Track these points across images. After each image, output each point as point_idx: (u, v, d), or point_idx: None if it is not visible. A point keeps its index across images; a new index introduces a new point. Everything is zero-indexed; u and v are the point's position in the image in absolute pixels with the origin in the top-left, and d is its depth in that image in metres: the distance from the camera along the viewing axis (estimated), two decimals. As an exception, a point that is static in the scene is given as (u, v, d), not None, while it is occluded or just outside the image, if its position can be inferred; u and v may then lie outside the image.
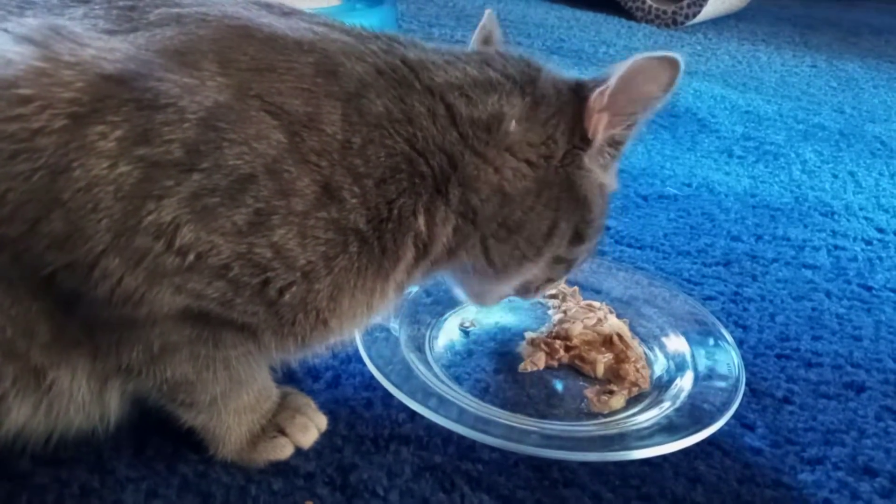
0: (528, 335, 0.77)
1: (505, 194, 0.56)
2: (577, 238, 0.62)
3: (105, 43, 0.46)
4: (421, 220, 0.54)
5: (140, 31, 0.48)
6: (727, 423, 0.66)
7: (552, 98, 0.58)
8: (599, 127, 0.58)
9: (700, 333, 0.78)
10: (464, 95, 0.55)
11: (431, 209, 0.54)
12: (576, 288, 0.84)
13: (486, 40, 0.66)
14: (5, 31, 0.45)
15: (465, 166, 0.54)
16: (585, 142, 0.58)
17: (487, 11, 0.66)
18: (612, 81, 0.56)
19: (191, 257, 0.46)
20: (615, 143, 0.61)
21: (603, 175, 0.61)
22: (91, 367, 0.51)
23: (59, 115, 0.43)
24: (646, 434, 0.65)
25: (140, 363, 0.51)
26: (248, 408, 0.58)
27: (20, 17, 0.47)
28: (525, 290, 0.68)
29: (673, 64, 0.55)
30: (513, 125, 0.56)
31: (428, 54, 0.56)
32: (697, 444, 0.64)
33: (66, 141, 0.43)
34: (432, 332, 0.77)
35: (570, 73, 0.61)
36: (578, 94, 0.58)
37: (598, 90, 0.57)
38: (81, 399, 0.52)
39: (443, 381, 0.69)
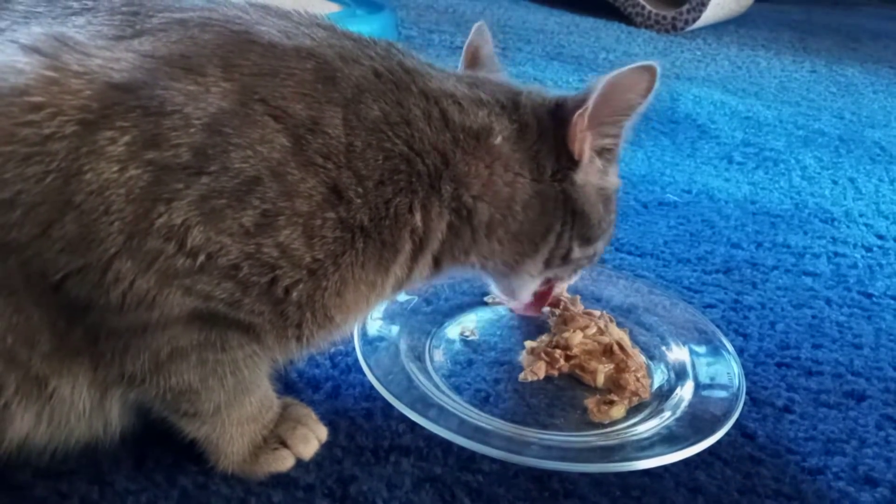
0: (529, 344, 0.77)
1: (497, 196, 0.58)
2: (586, 241, 0.64)
3: (111, 52, 0.47)
4: (418, 216, 0.55)
5: (144, 35, 0.49)
6: (728, 433, 0.66)
7: (533, 126, 0.60)
8: (585, 146, 0.60)
9: (700, 342, 0.78)
10: (456, 103, 0.57)
11: (427, 205, 0.56)
12: (577, 297, 0.84)
13: (474, 57, 0.68)
14: (14, 41, 0.47)
15: (457, 163, 0.56)
16: (573, 161, 0.61)
17: (476, 25, 0.69)
18: (590, 103, 0.58)
19: (201, 258, 0.47)
20: (605, 151, 0.63)
21: (602, 179, 0.63)
22: (92, 377, 0.51)
23: (69, 121, 0.44)
24: (646, 444, 0.65)
25: (144, 371, 0.51)
26: (250, 418, 0.58)
27: (27, 28, 0.48)
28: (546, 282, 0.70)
29: (649, 70, 0.57)
30: (499, 139, 0.58)
31: (423, 65, 0.59)
32: (698, 455, 0.64)
33: (77, 146, 0.44)
34: (432, 342, 0.77)
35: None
36: (558, 116, 0.60)
37: (577, 113, 0.59)
38: (83, 407, 0.52)
39: (443, 392, 0.69)
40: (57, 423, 0.52)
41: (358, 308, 0.56)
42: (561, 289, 0.74)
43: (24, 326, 0.47)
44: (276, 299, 0.51)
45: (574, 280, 0.73)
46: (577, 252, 0.64)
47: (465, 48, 0.69)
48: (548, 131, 0.60)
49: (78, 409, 0.52)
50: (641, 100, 0.59)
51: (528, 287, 0.69)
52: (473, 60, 0.69)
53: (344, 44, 0.55)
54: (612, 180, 0.65)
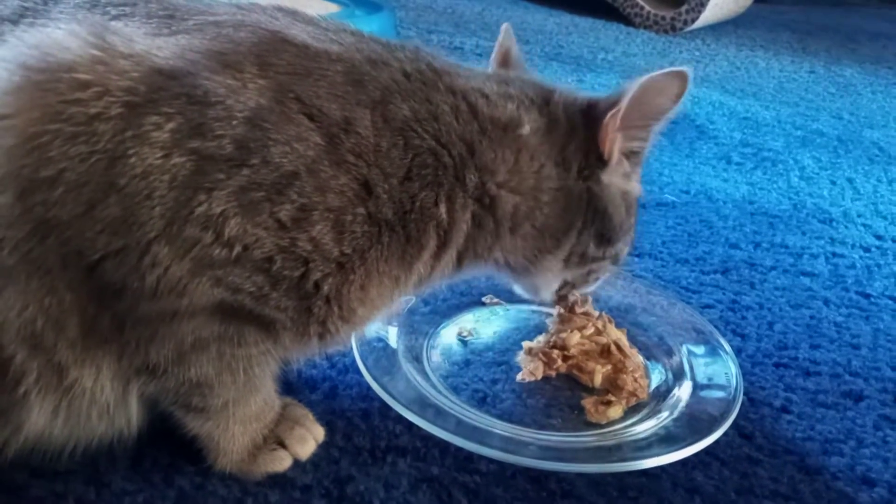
0: (526, 345, 0.77)
1: (522, 184, 0.59)
2: (605, 241, 0.65)
3: (152, 41, 0.48)
4: (442, 208, 0.56)
5: (180, 34, 0.50)
6: (725, 433, 0.66)
7: (563, 122, 0.61)
8: (615, 147, 0.62)
9: (698, 342, 0.78)
10: (484, 96, 0.59)
11: (452, 196, 0.57)
12: (588, 297, 0.84)
13: (505, 59, 0.69)
14: (58, 27, 0.48)
15: (483, 152, 0.57)
16: (601, 161, 0.62)
17: (504, 26, 0.71)
18: (624, 104, 0.59)
19: (237, 249, 0.48)
20: (633, 154, 0.64)
21: (626, 183, 0.65)
22: (116, 368, 0.51)
23: (115, 102, 0.45)
24: (644, 445, 0.64)
25: (168, 361, 0.51)
26: (253, 417, 0.59)
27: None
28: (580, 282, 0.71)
29: (682, 76, 0.59)
30: (527, 130, 0.59)
31: (451, 65, 0.61)
32: (696, 455, 0.64)
33: (123, 128, 0.45)
34: (430, 342, 0.77)
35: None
36: (590, 115, 0.61)
37: (609, 114, 0.60)
38: (105, 401, 0.52)
39: (440, 392, 0.69)
40: (76, 419, 0.52)
41: (381, 302, 0.58)
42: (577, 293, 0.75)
43: (55, 310, 0.47)
44: (305, 293, 0.52)
45: (594, 287, 0.73)
46: (592, 250, 0.65)
47: (495, 49, 0.70)
48: (577, 129, 0.61)
49: (100, 404, 0.52)
50: (672, 104, 0.60)
51: (549, 286, 0.70)
52: (504, 61, 0.70)
53: (372, 48, 0.57)
54: (636, 186, 0.67)
